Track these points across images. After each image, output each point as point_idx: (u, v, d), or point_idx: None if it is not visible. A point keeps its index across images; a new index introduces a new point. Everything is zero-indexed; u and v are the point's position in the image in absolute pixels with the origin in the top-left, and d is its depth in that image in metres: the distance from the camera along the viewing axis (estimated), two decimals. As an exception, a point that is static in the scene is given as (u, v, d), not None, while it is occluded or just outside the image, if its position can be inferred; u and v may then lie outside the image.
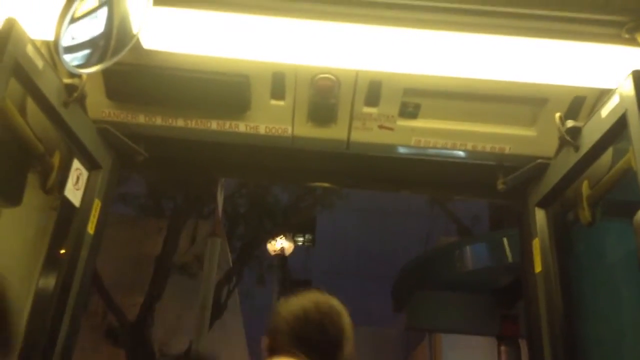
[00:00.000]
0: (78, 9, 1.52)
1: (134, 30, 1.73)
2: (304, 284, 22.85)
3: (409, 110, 2.23)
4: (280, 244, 14.91)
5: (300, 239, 23.45)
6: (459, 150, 2.32)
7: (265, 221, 14.12)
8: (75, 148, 2.12)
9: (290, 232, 15.74)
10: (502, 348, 6.33)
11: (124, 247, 11.76)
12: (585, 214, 2.08)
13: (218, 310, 11.60)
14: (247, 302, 15.61)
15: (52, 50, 1.62)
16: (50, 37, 1.51)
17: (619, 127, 1.78)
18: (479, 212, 15.90)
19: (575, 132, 2.02)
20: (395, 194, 21.75)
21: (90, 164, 2.21)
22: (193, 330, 7.40)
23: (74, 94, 1.95)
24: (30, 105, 1.96)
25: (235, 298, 13.84)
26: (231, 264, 13.01)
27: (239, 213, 13.90)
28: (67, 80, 1.95)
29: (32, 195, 2.08)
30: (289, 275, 17.21)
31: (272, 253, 14.90)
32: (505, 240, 5.76)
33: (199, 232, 12.10)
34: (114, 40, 1.68)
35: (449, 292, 6.17)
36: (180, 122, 2.27)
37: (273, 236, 14.57)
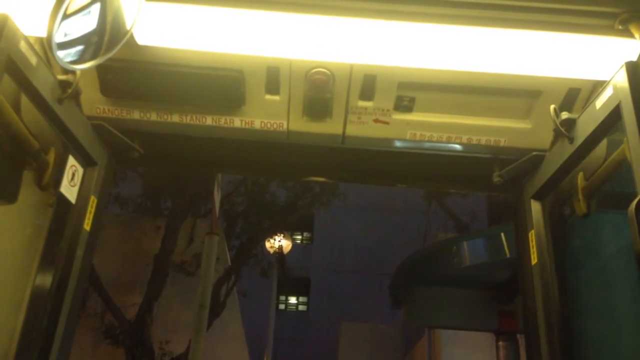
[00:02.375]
0: (70, 5, 1.52)
1: (128, 26, 1.73)
2: (302, 282, 22.94)
3: (404, 104, 2.23)
4: (278, 243, 14.92)
5: (299, 237, 23.48)
6: (455, 143, 2.32)
7: (263, 219, 14.12)
8: (71, 145, 2.11)
9: (288, 230, 15.75)
10: (500, 343, 6.34)
11: (122, 247, 11.77)
12: (581, 206, 2.08)
13: (217, 309, 11.61)
14: (246, 301, 15.63)
15: (46, 46, 1.62)
16: (44, 34, 1.51)
17: (613, 119, 1.79)
18: (477, 209, 15.95)
19: (569, 124, 2.03)
20: (392, 191, 21.79)
21: (86, 161, 2.21)
22: (192, 328, 7.40)
23: (68, 90, 1.95)
24: (25, 102, 1.95)
25: (234, 297, 13.83)
26: (229, 263, 13.01)
27: (237, 211, 13.91)
28: (61, 77, 1.94)
29: (27, 192, 2.07)
30: (288, 273, 17.23)
31: (270, 251, 14.91)
32: (502, 235, 5.76)
33: (197, 230, 12.10)
34: (107, 36, 1.68)
35: (446, 288, 6.18)
36: (175, 118, 2.27)
37: (271, 234, 14.58)
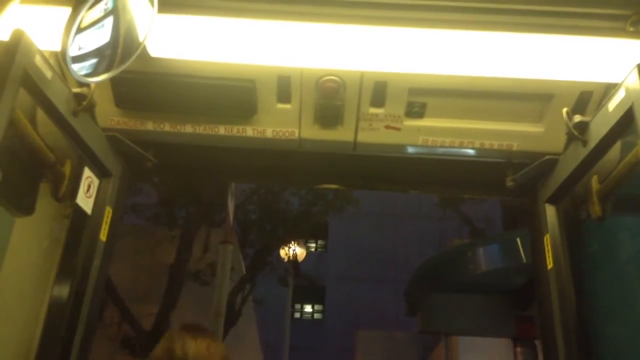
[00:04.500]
0: (84, 19, 1.54)
1: (140, 39, 1.75)
2: (317, 290, 22.91)
3: (415, 110, 2.23)
4: (292, 251, 14.94)
5: (313, 245, 23.47)
6: (467, 148, 2.32)
7: (277, 228, 14.15)
8: (86, 156, 2.14)
9: (302, 238, 15.78)
10: (518, 349, 6.29)
11: (138, 257, 11.85)
12: (596, 209, 2.06)
13: (233, 317, 11.64)
14: (261, 309, 15.64)
15: (60, 60, 1.64)
16: (58, 48, 1.53)
17: (626, 121, 1.77)
18: (492, 214, 15.85)
19: (582, 127, 2.01)
20: (407, 197, 21.70)
21: (101, 172, 2.23)
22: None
23: (83, 102, 1.98)
24: (40, 115, 1.99)
25: (250, 305, 13.86)
26: (244, 271, 13.05)
27: (251, 220, 13.96)
28: (76, 90, 1.97)
29: (44, 204, 2.11)
30: (303, 281, 17.22)
31: (285, 259, 14.92)
32: (518, 240, 5.71)
33: (211, 240, 12.16)
34: (120, 49, 1.71)
35: (463, 294, 6.15)
36: (188, 128, 2.29)
37: (285, 243, 14.61)
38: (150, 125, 2.29)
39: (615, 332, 2.13)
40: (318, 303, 23.64)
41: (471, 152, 2.34)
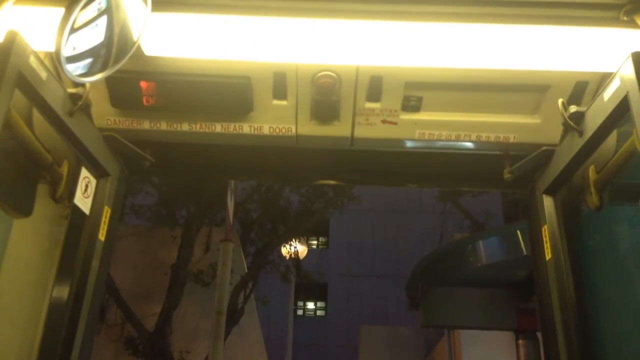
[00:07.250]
0: (78, 19, 1.54)
1: (135, 38, 1.75)
2: (320, 287, 22.91)
3: (412, 104, 2.23)
4: (294, 248, 14.95)
5: (314, 242, 23.47)
6: (464, 141, 2.32)
7: (278, 226, 14.15)
8: (83, 157, 2.14)
9: (304, 235, 15.77)
10: (520, 342, 6.29)
11: (139, 258, 11.86)
12: (593, 199, 2.07)
13: (235, 316, 11.65)
14: (264, 307, 15.65)
15: (55, 60, 1.65)
16: (53, 48, 1.53)
17: (622, 110, 1.77)
18: (493, 208, 15.85)
19: (578, 117, 2.01)
20: (407, 192, 21.64)
21: (98, 172, 2.24)
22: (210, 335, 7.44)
23: (78, 103, 1.98)
24: (37, 116, 1.99)
25: (252, 303, 13.86)
26: (246, 270, 13.05)
27: (252, 219, 13.95)
28: (71, 90, 1.97)
29: (43, 205, 2.11)
30: (305, 278, 17.22)
31: (287, 257, 14.94)
32: (519, 232, 5.71)
33: (212, 239, 12.16)
34: (115, 48, 1.71)
35: (464, 288, 6.14)
36: (185, 127, 2.29)
37: (287, 240, 14.60)
38: (146, 125, 2.29)
39: (614, 321, 2.13)
40: (321, 300, 23.65)
41: (468, 145, 2.34)
